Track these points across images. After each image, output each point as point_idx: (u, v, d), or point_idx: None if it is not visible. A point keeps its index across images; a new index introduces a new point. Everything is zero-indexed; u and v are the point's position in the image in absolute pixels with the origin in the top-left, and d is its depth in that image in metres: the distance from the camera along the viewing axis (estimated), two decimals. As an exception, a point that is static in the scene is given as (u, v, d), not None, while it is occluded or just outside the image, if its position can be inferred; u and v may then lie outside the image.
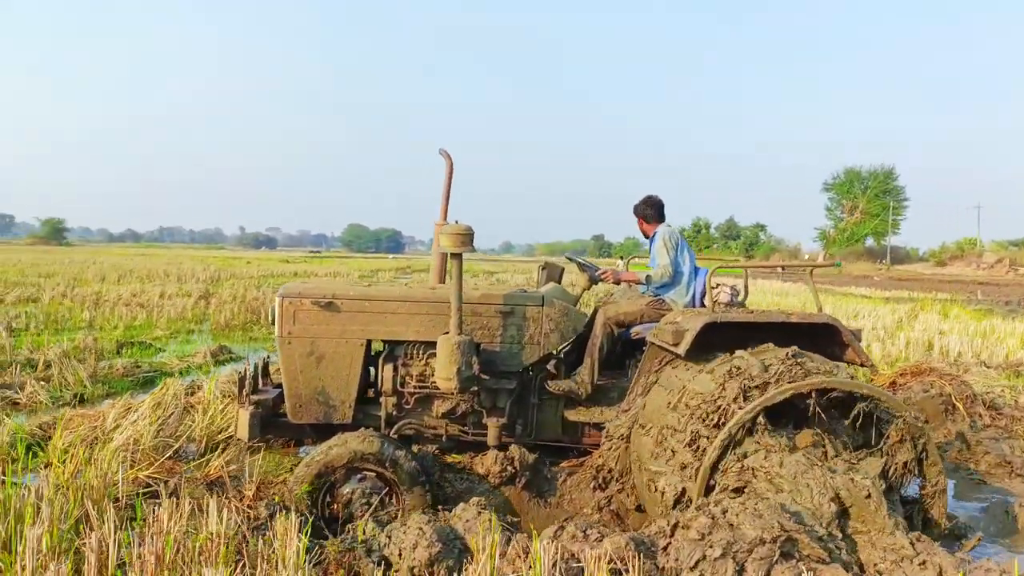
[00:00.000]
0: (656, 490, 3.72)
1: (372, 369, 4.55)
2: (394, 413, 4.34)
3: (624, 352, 5.00)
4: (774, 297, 20.79)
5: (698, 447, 3.61)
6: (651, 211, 5.00)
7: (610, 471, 4.37)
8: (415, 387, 4.27)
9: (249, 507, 3.80)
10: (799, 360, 3.74)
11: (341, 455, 3.88)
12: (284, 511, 3.38)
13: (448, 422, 4.40)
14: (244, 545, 3.02)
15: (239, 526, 3.15)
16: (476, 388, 4.27)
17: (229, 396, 5.92)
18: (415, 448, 4.40)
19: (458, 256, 3.94)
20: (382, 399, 4.34)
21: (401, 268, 39.88)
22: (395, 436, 4.30)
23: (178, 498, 3.32)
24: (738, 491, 3.51)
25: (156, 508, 3.11)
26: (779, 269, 4.60)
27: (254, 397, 4.31)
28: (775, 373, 3.65)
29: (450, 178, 4.42)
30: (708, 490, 3.56)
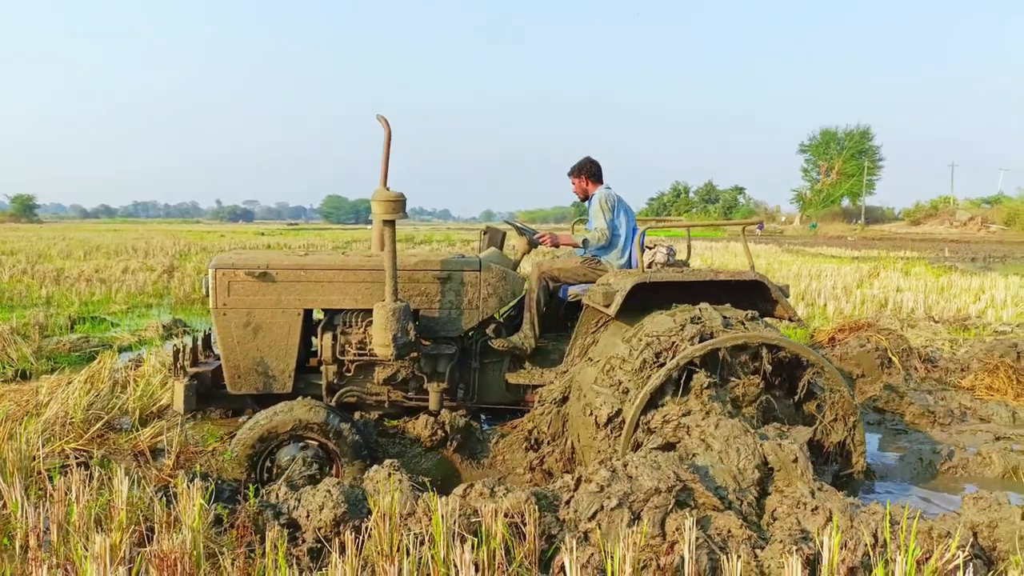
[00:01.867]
0: (590, 413, 3.80)
1: (313, 338, 4.57)
2: (335, 381, 4.38)
3: (566, 314, 5.06)
4: (744, 259, 20.91)
5: (644, 376, 3.72)
6: (593, 169, 5.04)
7: (542, 434, 4.45)
8: (355, 355, 4.30)
9: (170, 476, 3.85)
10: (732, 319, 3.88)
11: (286, 421, 3.93)
12: (201, 479, 3.42)
13: (389, 389, 4.45)
14: (151, 512, 3.06)
15: (150, 494, 3.19)
16: (415, 354, 4.31)
17: (170, 369, 5.92)
18: (357, 415, 4.44)
19: (390, 223, 3.95)
20: (323, 368, 4.38)
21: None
22: (336, 404, 4.34)
23: (88, 468, 3.34)
24: (670, 446, 3.61)
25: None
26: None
27: (192, 369, 4.32)
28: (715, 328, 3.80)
29: (388, 145, 4.39)
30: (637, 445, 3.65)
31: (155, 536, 2.81)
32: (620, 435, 3.68)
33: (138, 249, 23.95)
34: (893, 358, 6.58)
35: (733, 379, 3.80)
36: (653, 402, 3.69)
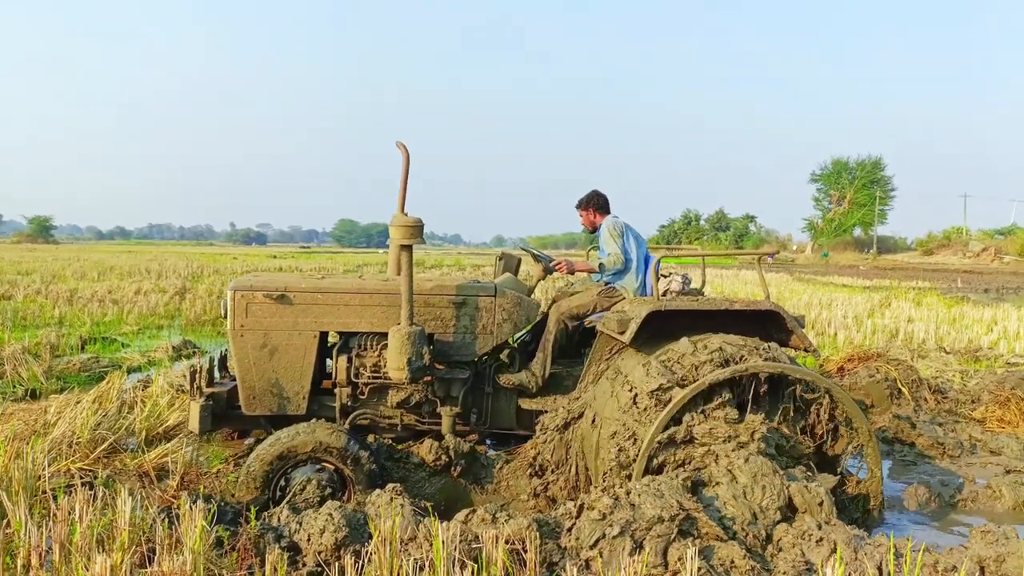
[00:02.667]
0: (630, 389, 3.84)
1: (328, 360, 4.60)
2: (349, 404, 4.41)
3: (581, 340, 5.06)
4: (753, 287, 20.88)
5: (706, 371, 3.78)
6: (600, 201, 5.09)
7: (546, 462, 4.43)
8: (369, 378, 4.32)
9: (173, 497, 3.85)
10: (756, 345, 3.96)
11: (307, 442, 3.96)
12: (204, 501, 3.42)
13: (403, 412, 4.47)
14: (154, 533, 3.07)
15: (153, 515, 3.20)
16: (429, 378, 4.34)
17: (178, 390, 5.95)
18: (371, 437, 4.45)
19: (408, 248, 3.99)
20: (337, 390, 4.40)
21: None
22: (349, 426, 4.35)
23: (92, 488, 3.36)
24: (696, 474, 3.62)
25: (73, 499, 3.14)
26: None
27: (208, 390, 4.35)
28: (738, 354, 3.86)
29: (407, 170, 4.45)
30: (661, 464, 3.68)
31: (156, 557, 2.82)
32: (660, 411, 3.67)
33: (151, 270, 24.17)
34: (903, 389, 6.53)
35: (785, 429, 3.83)
36: (702, 404, 3.72)
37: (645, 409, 3.74)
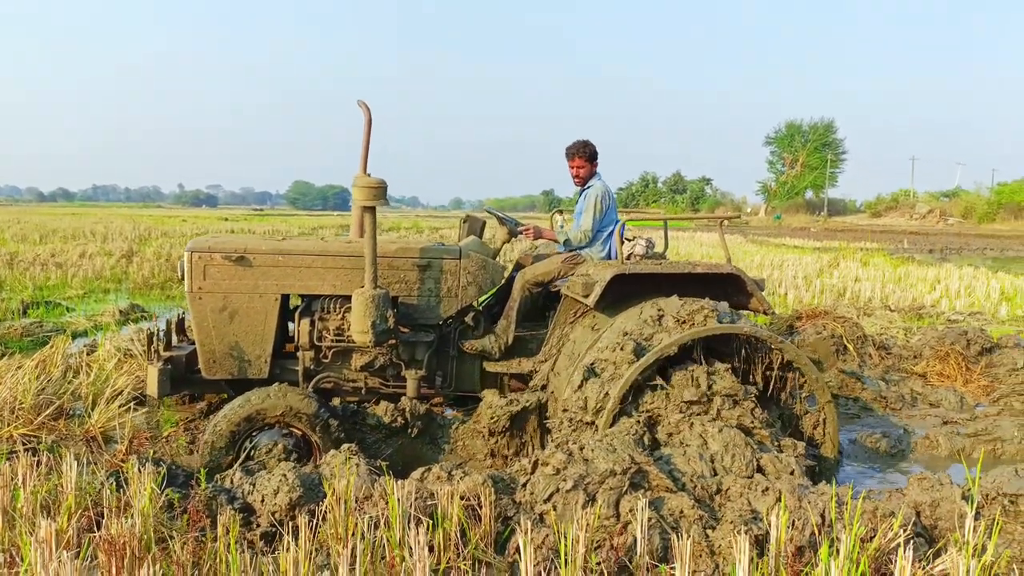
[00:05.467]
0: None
1: (290, 323, 4.52)
2: (312, 367, 4.34)
3: (545, 303, 5.04)
4: (708, 249, 21.21)
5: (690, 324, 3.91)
6: (594, 151, 4.82)
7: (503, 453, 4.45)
8: (332, 341, 4.26)
9: (122, 461, 3.78)
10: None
11: (277, 406, 3.89)
12: (154, 464, 3.36)
13: (367, 375, 4.42)
14: (101, 497, 3.01)
15: (101, 479, 3.14)
16: (394, 341, 4.29)
17: (126, 354, 5.82)
18: (336, 400, 4.41)
19: (371, 209, 3.91)
20: (299, 353, 4.33)
21: (346, 225, 39.26)
22: (313, 390, 4.30)
23: (36, 454, 3.27)
24: (668, 437, 3.68)
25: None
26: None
27: (165, 354, 4.25)
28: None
29: (369, 130, 4.33)
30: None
31: (104, 521, 2.77)
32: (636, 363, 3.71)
33: (97, 233, 23.41)
34: (848, 345, 6.74)
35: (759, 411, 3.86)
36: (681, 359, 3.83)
37: (620, 356, 3.80)
